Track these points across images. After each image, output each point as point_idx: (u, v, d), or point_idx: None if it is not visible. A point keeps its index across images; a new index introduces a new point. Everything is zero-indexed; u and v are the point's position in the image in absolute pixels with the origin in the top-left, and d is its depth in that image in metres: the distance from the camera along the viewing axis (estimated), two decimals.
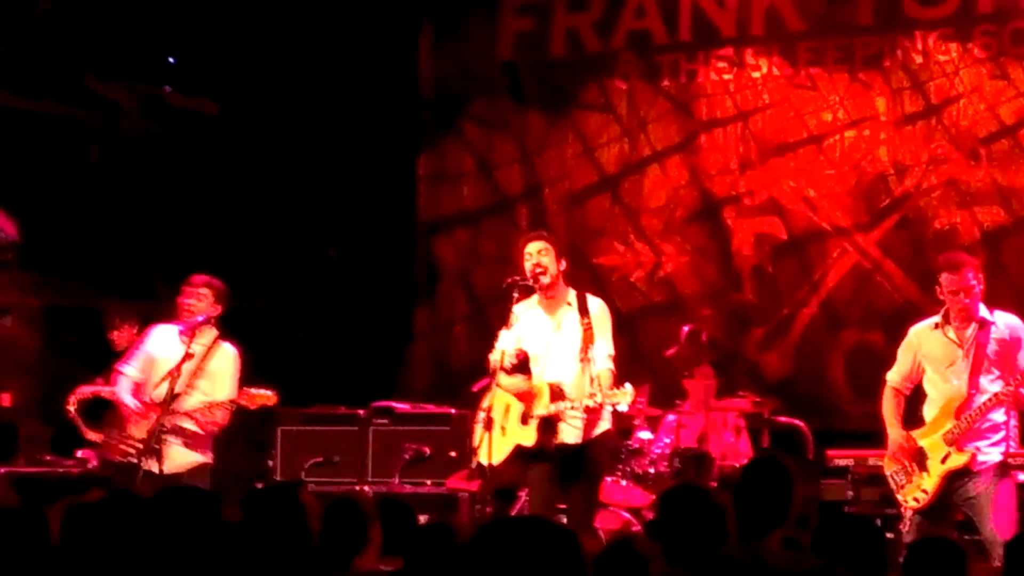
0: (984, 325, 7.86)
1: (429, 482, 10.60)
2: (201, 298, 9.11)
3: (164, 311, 9.59)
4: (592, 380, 8.18)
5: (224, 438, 10.05)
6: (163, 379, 8.96)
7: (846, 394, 11.77)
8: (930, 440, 7.88)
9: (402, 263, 13.39)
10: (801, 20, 12.10)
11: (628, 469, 10.11)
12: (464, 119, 13.21)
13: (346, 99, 12.99)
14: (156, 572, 4.49)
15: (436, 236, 13.35)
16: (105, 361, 10.79)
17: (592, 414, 8.24)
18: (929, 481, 7.85)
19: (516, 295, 8.58)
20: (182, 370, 8.86)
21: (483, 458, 8.22)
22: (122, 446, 9.10)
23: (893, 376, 8.13)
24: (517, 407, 8.35)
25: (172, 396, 8.86)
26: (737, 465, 10.10)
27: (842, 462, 10.05)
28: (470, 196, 13.24)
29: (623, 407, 8.14)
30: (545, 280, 8.31)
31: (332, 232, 13.31)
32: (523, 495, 10.04)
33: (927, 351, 8.01)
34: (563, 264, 8.39)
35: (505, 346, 8.33)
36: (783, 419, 10.75)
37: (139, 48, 12.40)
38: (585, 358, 8.26)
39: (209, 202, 12.80)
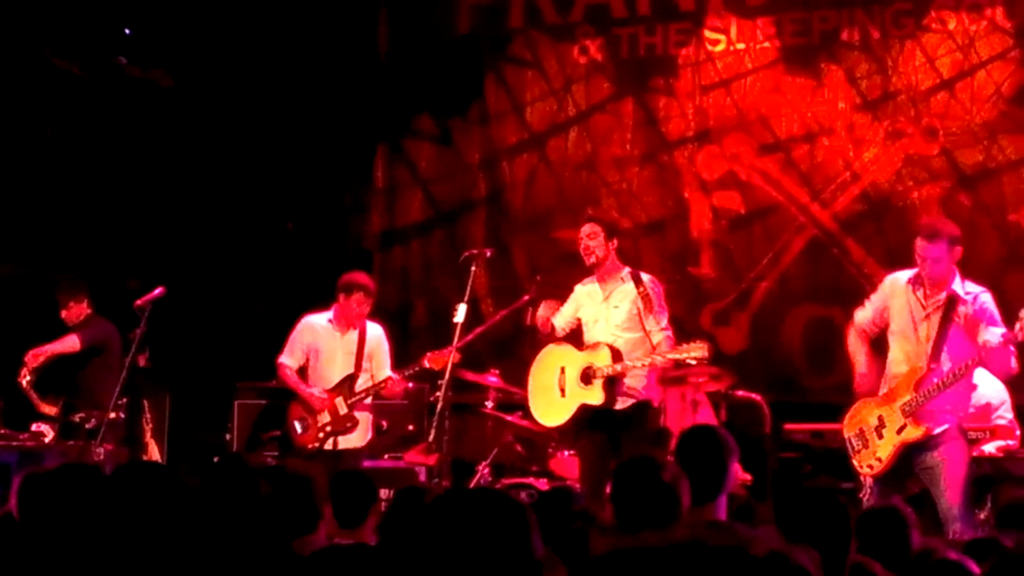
0: (955, 301, 7.86)
1: (387, 456, 10.60)
2: (370, 305, 9.92)
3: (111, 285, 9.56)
4: (653, 347, 8.78)
5: (183, 413, 10.17)
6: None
7: (804, 368, 11.81)
8: (889, 409, 7.95)
9: (360, 237, 13.35)
10: None
11: None
12: (423, 116, 13.18)
13: (304, 72, 12.93)
14: (115, 540, 4.47)
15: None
16: (55, 332, 10.75)
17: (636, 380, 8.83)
18: (883, 450, 7.93)
19: (474, 268, 8.86)
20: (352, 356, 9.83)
21: (547, 420, 8.98)
22: (320, 434, 9.75)
23: (862, 314, 8.25)
24: (574, 368, 8.83)
25: (352, 380, 9.80)
26: None
27: (799, 436, 10.10)
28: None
29: (693, 361, 8.69)
30: (592, 260, 8.97)
31: (290, 206, 13.26)
32: (480, 468, 10.09)
33: (895, 303, 8.06)
34: (615, 243, 9.00)
35: (560, 319, 9.07)
36: (740, 393, 10.78)
37: (95, 19, 12.30)
38: (641, 325, 8.83)
39: (166, 175, 12.73)
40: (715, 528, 5.03)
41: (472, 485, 9.76)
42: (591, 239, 8.95)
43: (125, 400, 10.15)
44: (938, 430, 7.86)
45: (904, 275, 8.10)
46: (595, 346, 8.87)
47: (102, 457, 9.61)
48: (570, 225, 12.45)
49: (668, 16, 12.39)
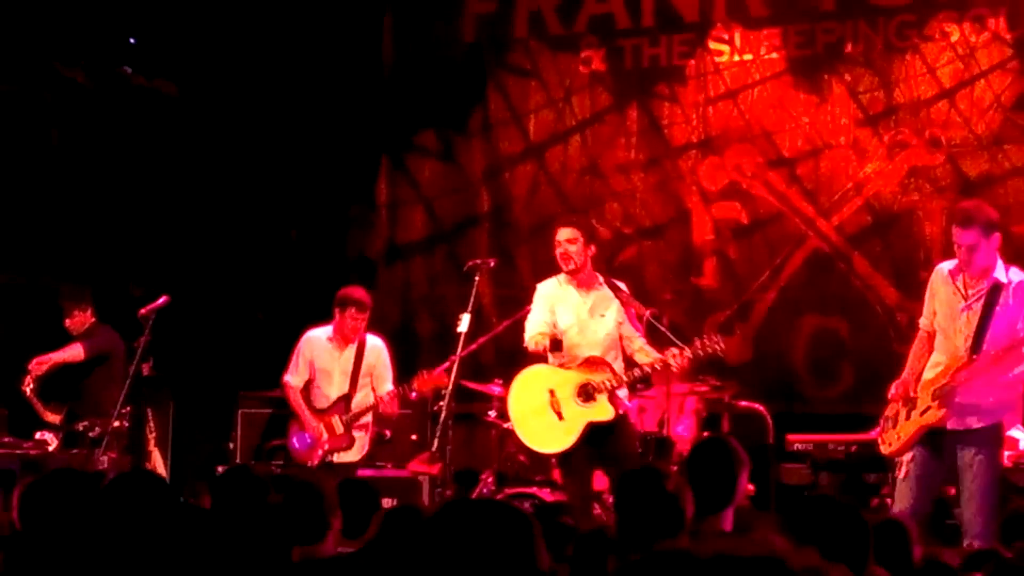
0: (999, 288, 7.59)
1: (390, 465, 10.60)
2: (365, 319, 9.88)
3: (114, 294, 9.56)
4: (631, 354, 8.63)
5: (185, 419, 10.17)
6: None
7: (806, 379, 11.80)
8: (924, 393, 7.73)
9: (363, 250, 13.33)
10: (763, 6, 12.12)
11: None
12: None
13: (308, 82, 12.93)
14: (107, 549, 4.47)
15: (396, 214, 13.34)
16: (59, 340, 10.75)
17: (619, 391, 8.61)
18: (905, 429, 7.75)
19: (477, 278, 8.80)
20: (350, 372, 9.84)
21: (547, 446, 8.63)
22: (319, 451, 9.78)
23: (922, 320, 7.97)
24: (567, 388, 8.52)
25: (348, 399, 9.82)
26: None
27: (802, 447, 10.07)
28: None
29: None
30: (570, 267, 8.67)
31: (293, 213, 13.26)
32: (484, 478, 10.08)
33: (939, 294, 7.81)
34: (592, 250, 8.72)
35: (536, 329, 8.67)
36: (743, 403, 10.77)
37: (100, 28, 12.32)
38: (622, 332, 8.65)
39: (170, 184, 12.73)
40: (739, 537, 5.03)
41: (475, 495, 9.76)
42: (571, 244, 8.65)
43: (129, 409, 10.16)
44: (970, 427, 7.61)
45: (947, 265, 7.84)
46: (586, 362, 8.60)
47: (106, 465, 9.61)
48: None
49: (672, 27, 12.40)
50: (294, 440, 9.94)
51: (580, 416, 8.51)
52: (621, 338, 8.70)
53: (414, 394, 9.66)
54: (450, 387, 8.72)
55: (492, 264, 9.56)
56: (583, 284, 8.72)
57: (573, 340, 8.66)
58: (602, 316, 8.65)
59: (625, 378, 8.58)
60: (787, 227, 11.97)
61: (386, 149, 13.31)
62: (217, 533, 4.50)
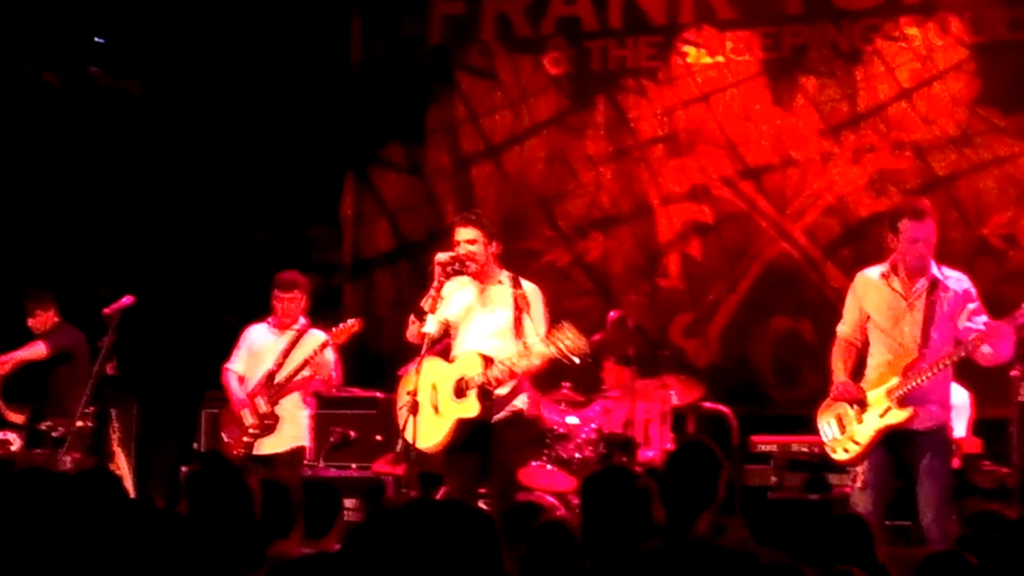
0: (936, 284, 7.61)
1: (354, 465, 10.59)
2: (296, 300, 9.80)
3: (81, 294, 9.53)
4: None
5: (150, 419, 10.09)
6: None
7: (771, 381, 11.85)
8: (874, 393, 7.67)
9: (329, 260, 13.31)
10: (730, 8, 12.16)
11: (554, 454, 10.13)
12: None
13: (275, 82, 12.91)
14: (74, 552, 4.46)
15: (361, 228, 13.33)
16: (20, 338, 10.70)
17: (498, 393, 8.12)
18: (862, 435, 7.67)
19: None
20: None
21: (422, 442, 8.06)
22: (244, 438, 9.53)
23: (843, 327, 7.91)
24: (446, 384, 8.17)
25: (271, 377, 9.59)
26: (662, 450, 10.16)
27: (766, 448, 10.11)
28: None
29: (573, 357, 7.83)
30: (472, 268, 8.22)
31: (261, 215, 13.23)
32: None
33: (870, 300, 7.77)
34: (494, 247, 8.28)
35: (429, 328, 8.20)
36: (708, 405, 10.81)
37: (67, 28, 12.27)
38: (518, 330, 8.15)
39: (137, 184, 12.69)
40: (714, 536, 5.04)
41: (440, 496, 9.74)
42: (471, 245, 8.20)
43: (93, 409, 10.11)
44: (928, 427, 7.60)
45: (874, 271, 7.82)
46: (465, 356, 8.20)
47: (69, 466, 9.56)
48: (538, 235, 12.50)
49: (639, 29, 12.43)
50: (223, 433, 9.72)
51: (451, 412, 8.14)
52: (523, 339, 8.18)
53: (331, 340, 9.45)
54: (415, 387, 8.64)
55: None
56: (483, 279, 8.25)
57: (461, 334, 8.31)
58: (492, 312, 8.23)
59: (504, 368, 8.04)
60: (753, 229, 12.01)
61: (351, 163, 13.30)
62: (176, 534, 4.49)
